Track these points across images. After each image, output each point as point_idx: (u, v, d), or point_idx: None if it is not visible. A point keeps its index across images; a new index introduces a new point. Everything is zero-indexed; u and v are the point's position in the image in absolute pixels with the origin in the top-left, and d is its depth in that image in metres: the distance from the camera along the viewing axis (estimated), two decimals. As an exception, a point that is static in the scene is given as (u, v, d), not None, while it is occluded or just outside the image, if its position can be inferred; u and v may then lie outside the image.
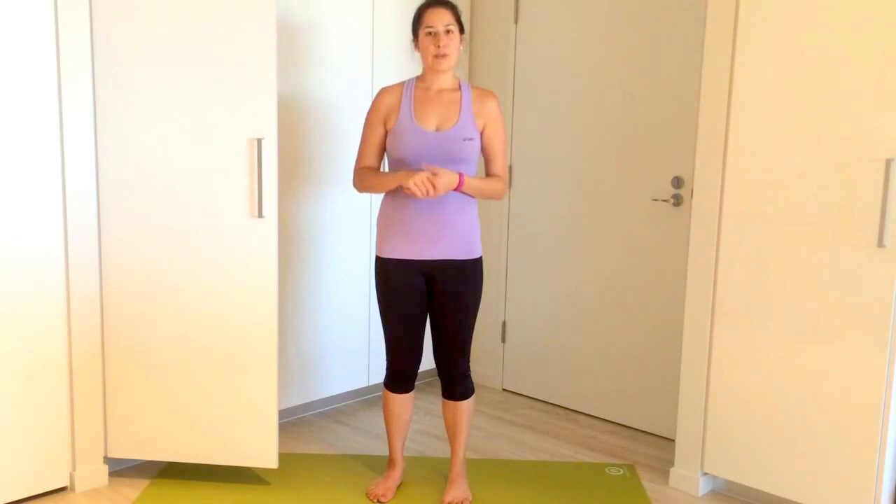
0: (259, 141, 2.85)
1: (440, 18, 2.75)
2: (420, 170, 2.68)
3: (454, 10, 2.80)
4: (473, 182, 2.76)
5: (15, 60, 2.70)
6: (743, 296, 2.93)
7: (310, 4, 3.54)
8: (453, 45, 2.77)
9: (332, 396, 3.92)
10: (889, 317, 2.61)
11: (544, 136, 3.98)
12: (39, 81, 2.76)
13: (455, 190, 2.72)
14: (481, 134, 2.82)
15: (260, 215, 2.90)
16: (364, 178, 2.87)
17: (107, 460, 3.11)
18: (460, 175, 2.71)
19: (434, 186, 2.63)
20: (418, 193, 2.63)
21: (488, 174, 2.90)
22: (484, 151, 2.86)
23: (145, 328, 2.99)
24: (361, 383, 3.98)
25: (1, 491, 2.82)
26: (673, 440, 3.43)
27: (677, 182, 3.52)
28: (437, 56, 2.76)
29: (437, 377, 2.98)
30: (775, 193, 2.83)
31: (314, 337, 3.75)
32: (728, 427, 3.01)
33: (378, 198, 3.56)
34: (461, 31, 2.81)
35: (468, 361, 2.94)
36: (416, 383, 3.12)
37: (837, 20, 2.65)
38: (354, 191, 2.96)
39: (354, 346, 3.92)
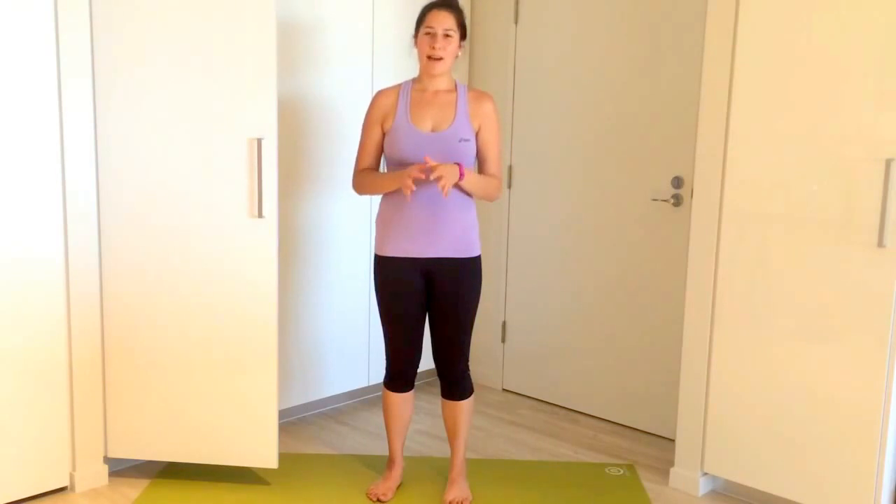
0: (259, 141, 2.85)
1: (441, 22, 2.75)
2: (420, 166, 2.68)
3: (458, 14, 2.80)
4: (473, 176, 2.77)
5: (15, 60, 2.70)
6: (743, 296, 2.93)
7: (310, 4, 3.54)
8: (449, 50, 2.77)
9: (332, 396, 3.92)
10: (889, 317, 2.61)
11: (544, 136, 3.98)
12: (39, 81, 2.76)
13: (456, 183, 2.72)
14: (477, 135, 2.83)
15: (260, 215, 2.90)
16: (363, 180, 2.89)
17: (107, 460, 3.11)
18: (459, 165, 2.71)
19: (440, 177, 2.62)
20: (412, 188, 2.64)
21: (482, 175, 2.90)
22: (479, 153, 2.86)
23: (145, 328, 2.99)
24: (361, 383, 3.98)
25: (1, 491, 2.82)
26: (673, 440, 3.43)
27: (677, 182, 3.52)
28: (430, 57, 2.76)
29: (437, 377, 2.98)
30: (775, 193, 2.83)
31: (314, 337, 3.75)
32: (728, 427, 3.01)
33: (378, 197, 3.56)
34: (463, 36, 2.81)
35: (467, 361, 2.94)
36: (416, 383, 3.11)
37: (837, 20, 2.65)
38: (354, 191, 2.96)
39: (354, 346, 3.92)
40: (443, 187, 2.61)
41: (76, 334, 2.94)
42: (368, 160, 2.90)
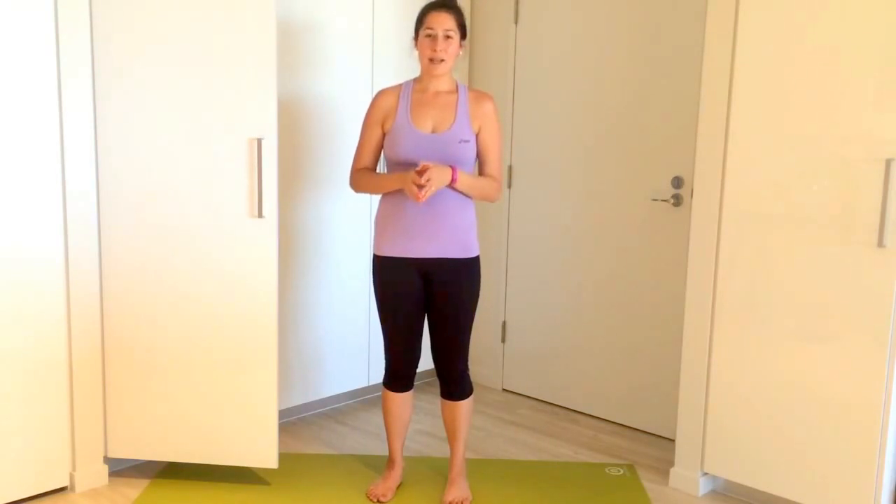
0: (259, 141, 2.86)
1: (441, 23, 2.75)
2: (415, 169, 2.68)
3: (458, 15, 2.80)
4: (467, 178, 2.76)
5: (15, 60, 2.70)
6: (743, 296, 2.93)
7: (310, 4, 3.54)
8: (451, 51, 2.77)
9: (332, 396, 3.92)
10: (889, 317, 2.61)
11: (544, 136, 3.98)
12: (39, 81, 2.76)
13: (449, 185, 2.72)
14: (477, 136, 2.83)
15: (260, 215, 2.90)
16: (361, 179, 2.89)
17: (107, 460, 3.11)
18: (453, 169, 2.71)
19: (428, 181, 2.63)
20: (419, 198, 2.64)
21: (482, 176, 2.90)
22: (479, 154, 2.86)
23: (145, 328, 2.99)
24: (361, 383, 3.98)
25: (1, 491, 2.82)
26: (673, 440, 3.43)
27: (677, 182, 3.52)
28: (432, 60, 2.76)
29: (437, 377, 2.98)
30: (775, 193, 2.83)
31: (314, 337, 3.75)
32: (728, 427, 3.01)
33: (378, 197, 3.57)
34: (463, 36, 2.81)
35: (466, 361, 2.94)
36: (416, 383, 3.12)
37: (837, 20, 2.65)
38: (351, 188, 2.96)
39: (354, 346, 3.92)
40: (423, 194, 2.62)
41: (76, 334, 2.94)
42: (367, 159, 2.90)
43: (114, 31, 2.86)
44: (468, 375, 2.97)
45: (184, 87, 2.87)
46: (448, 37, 2.76)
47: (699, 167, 3.02)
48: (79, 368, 2.96)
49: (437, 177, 2.66)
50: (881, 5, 2.56)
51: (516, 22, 4.05)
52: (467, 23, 2.99)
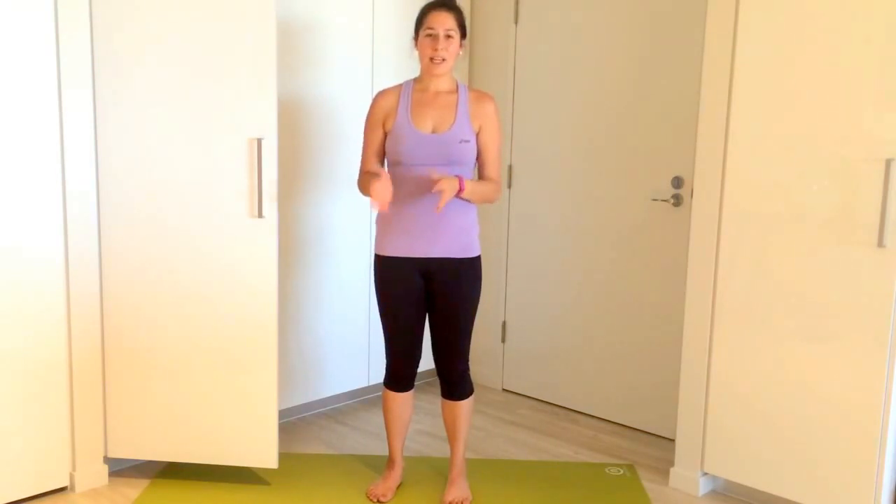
0: (259, 141, 2.86)
1: (442, 22, 2.75)
2: (431, 177, 2.68)
3: (458, 14, 2.80)
4: (472, 186, 2.77)
5: (15, 61, 2.70)
6: (743, 296, 2.93)
7: (310, 4, 3.54)
8: (451, 50, 2.77)
9: (332, 396, 3.92)
10: (889, 317, 2.61)
11: (544, 136, 3.98)
12: (40, 82, 2.76)
13: (457, 195, 2.73)
14: (477, 136, 2.83)
15: (260, 215, 2.90)
16: (363, 182, 2.89)
17: (107, 460, 3.11)
18: (460, 179, 2.71)
19: (441, 191, 2.64)
20: (379, 207, 2.66)
21: (482, 177, 2.90)
22: (479, 154, 2.86)
23: (145, 328, 2.99)
24: (361, 383, 3.98)
25: (1, 491, 2.82)
26: (673, 440, 3.43)
27: (677, 182, 3.52)
28: (432, 59, 2.76)
29: (437, 377, 2.98)
30: (775, 193, 2.83)
31: (314, 337, 3.75)
32: (728, 427, 3.01)
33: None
34: (463, 36, 2.81)
35: (467, 361, 2.94)
36: (416, 383, 3.12)
37: (837, 20, 2.65)
38: (355, 191, 2.97)
39: (354, 346, 3.92)
40: (438, 206, 2.63)
41: (76, 334, 2.94)
42: (371, 161, 2.90)
43: (114, 31, 2.86)
44: (469, 375, 2.97)
45: (184, 87, 2.87)
46: (448, 36, 2.76)
47: (699, 167, 3.02)
48: (79, 368, 2.96)
49: (450, 188, 2.66)
50: (881, 5, 2.56)
51: (516, 22, 4.05)
52: (467, 23, 2.99)
